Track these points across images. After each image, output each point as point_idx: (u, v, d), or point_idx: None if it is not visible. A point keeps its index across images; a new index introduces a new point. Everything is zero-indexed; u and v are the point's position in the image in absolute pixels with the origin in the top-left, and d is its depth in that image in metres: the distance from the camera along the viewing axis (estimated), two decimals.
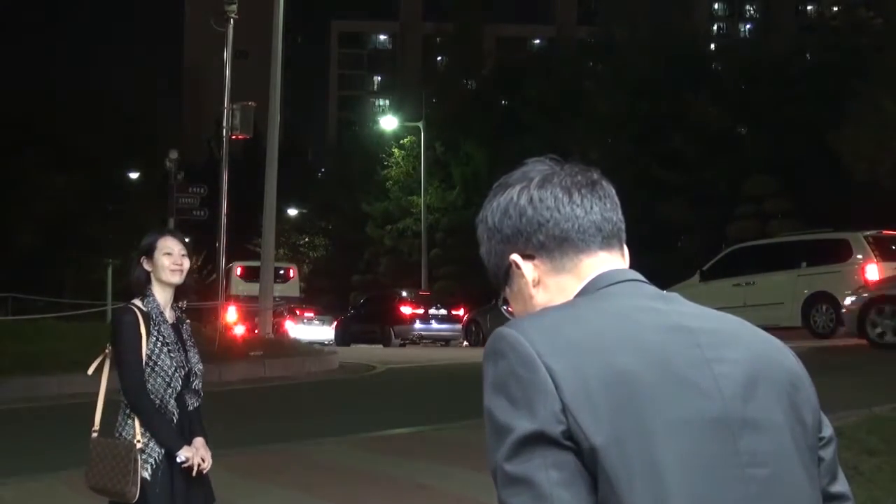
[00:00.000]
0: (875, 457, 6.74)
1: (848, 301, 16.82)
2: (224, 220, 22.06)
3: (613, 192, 1.66)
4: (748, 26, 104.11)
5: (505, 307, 1.69)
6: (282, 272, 38.49)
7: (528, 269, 1.60)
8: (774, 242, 21.72)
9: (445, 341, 31.25)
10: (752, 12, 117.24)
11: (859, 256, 18.63)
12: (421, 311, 31.34)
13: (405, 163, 50.64)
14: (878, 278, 17.87)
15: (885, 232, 19.67)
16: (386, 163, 51.96)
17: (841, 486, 1.59)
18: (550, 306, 1.54)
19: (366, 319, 32.67)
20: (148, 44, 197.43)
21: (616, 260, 1.61)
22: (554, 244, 1.58)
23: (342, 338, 33.05)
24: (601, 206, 1.61)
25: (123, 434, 4.34)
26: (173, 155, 26.73)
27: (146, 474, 4.25)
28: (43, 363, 15.93)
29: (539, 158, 1.68)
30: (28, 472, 8.50)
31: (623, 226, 1.65)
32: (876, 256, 18.49)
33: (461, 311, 31.89)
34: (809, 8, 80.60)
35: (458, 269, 46.41)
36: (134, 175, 47.66)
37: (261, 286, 24.30)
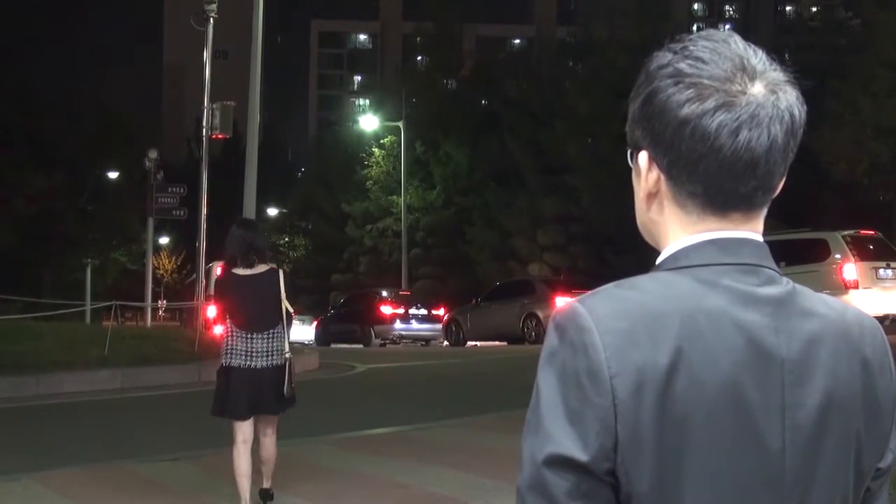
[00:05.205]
0: None
1: None
2: (204, 219, 21.99)
3: None
4: (728, 26, 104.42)
5: None
6: None
7: None
8: None
9: (426, 341, 31.23)
10: (731, 12, 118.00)
11: (837, 256, 18.72)
12: (401, 310, 31.29)
13: (385, 162, 50.56)
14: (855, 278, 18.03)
15: (862, 231, 19.77)
16: (366, 162, 51.86)
17: None
18: (640, 283, 1.32)
19: (346, 319, 32.59)
20: (127, 43, 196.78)
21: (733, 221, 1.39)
22: None
23: (322, 337, 33.02)
24: None
25: (288, 348, 7.08)
26: (153, 154, 26.70)
27: None
28: (21, 363, 15.85)
29: None
30: (5, 473, 8.44)
31: None
32: (854, 256, 18.60)
33: (441, 311, 31.89)
34: (788, 8, 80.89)
35: (438, 269, 46.40)
36: (113, 175, 47.41)
37: None
